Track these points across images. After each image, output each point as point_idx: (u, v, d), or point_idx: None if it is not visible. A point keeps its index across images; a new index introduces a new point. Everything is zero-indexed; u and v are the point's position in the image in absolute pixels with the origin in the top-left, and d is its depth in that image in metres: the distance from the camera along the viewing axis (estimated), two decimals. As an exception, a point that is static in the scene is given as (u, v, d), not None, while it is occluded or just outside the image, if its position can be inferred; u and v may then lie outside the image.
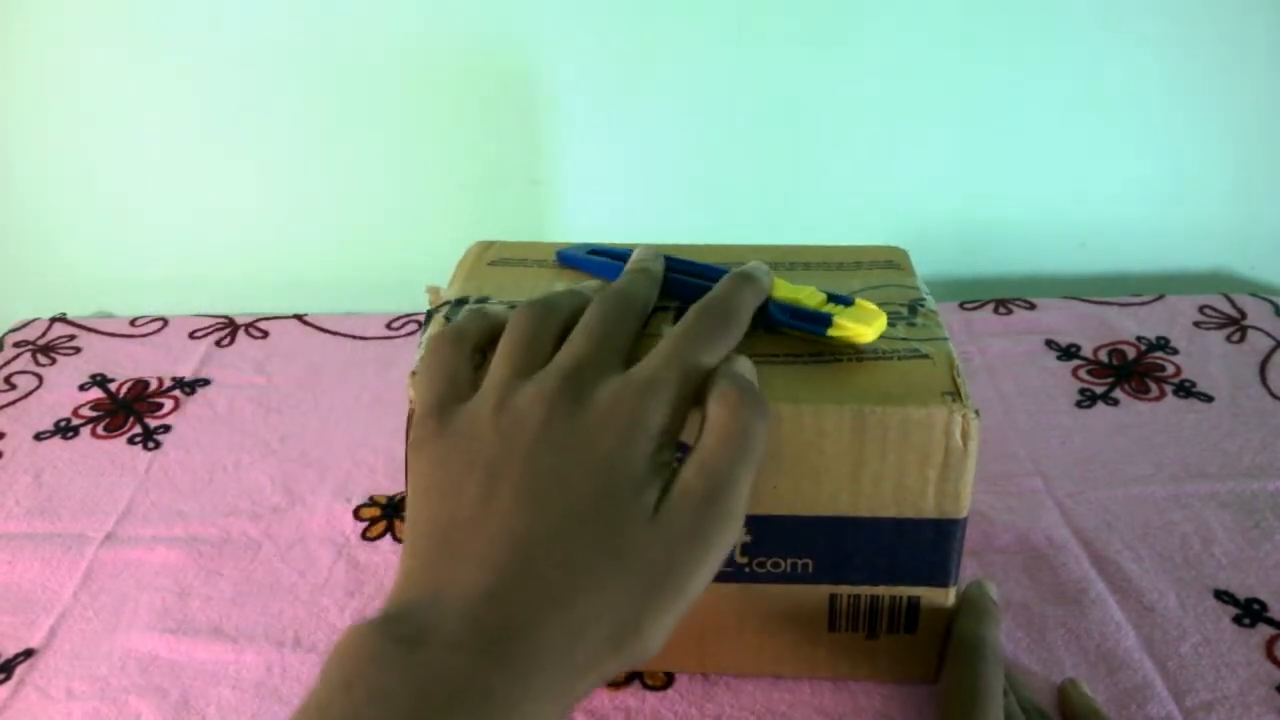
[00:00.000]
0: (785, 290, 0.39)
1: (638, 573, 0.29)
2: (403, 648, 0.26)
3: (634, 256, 0.41)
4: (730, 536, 0.30)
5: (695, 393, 0.32)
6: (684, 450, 0.31)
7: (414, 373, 0.36)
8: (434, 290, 0.44)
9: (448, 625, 0.27)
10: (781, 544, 0.38)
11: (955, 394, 0.35)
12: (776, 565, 0.38)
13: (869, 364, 0.37)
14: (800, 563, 0.38)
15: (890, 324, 0.38)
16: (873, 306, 0.38)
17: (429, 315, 0.42)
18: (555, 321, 0.35)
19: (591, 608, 0.28)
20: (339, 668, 0.27)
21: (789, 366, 0.37)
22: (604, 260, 0.43)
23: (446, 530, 0.30)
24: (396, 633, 0.27)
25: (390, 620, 0.28)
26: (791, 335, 0.38)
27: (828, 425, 0.35)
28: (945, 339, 0.38)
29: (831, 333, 0.37)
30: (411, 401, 0.35)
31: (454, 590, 0.28)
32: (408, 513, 0.32)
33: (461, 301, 0.42)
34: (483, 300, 0.42)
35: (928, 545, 0.37)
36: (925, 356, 0.37)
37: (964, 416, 0.35)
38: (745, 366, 0.34)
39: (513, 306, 0.37)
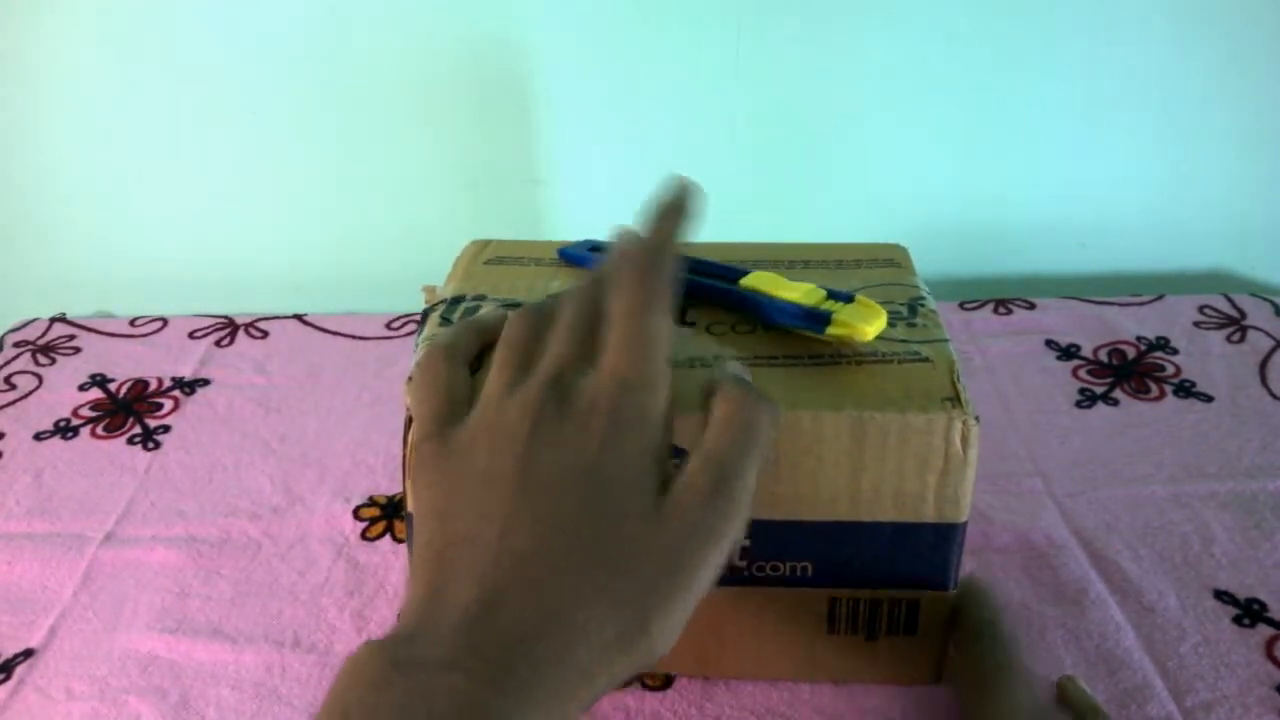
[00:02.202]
0: (784, 288, 0.39)
1: (640, 572, 0.28)
2: (400, 671, 0.26)
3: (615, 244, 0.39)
4: (734, 528, 0.30)
5: (667, 356, 0.32)
6: (679, 455, 0.31)
7: (410, 379, 0.36)
8: (430, 289, 0.44)
9: (443, 644, 0.27)
10: (781, 548, 0.38)
11: (955, 399, 0.35)
12: (776, 569, 0.38)
13: (869, 367, 0.36)
14: (800, 566, 0.38)
15: (890, 324, 0.38)
16: (874, 304, 0.37)
17: (425, 314, 0.42)
18: (548, 325, 0.34)
19: (593, 613, 0.28)
20: (340, 694, 0.27)
21: (788, 369, 0.36)
22: (606, 257, 0.43)
23: (444, 551, 0.30)
24: (395, 656, 0.27)
25: (391, 643, 0.28)
26: (790, 336, 0.38)
27: (827, 431, 0.35)
28: (946, 340, 0.38)
29: (831, 331, 0.37)
30: (409, 409, 0.35)
31: (449, 609, 0.28)
32: (412, 538, 0.32)
33: (458, 300, 0.42)
34: (479, 298, 0.42)
35: (928, 549, 0.37)
36: (925, 360, 0.37)
37: (964, 422, 0.35)
38: (739, 369, 0.34)
39: (510, 307, 0.37)
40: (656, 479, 0.30)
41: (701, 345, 0.38)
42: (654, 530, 0.29)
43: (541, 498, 0.30)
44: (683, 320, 0.40)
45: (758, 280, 0.40)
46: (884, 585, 0.38)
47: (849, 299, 0.38)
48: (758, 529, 0.37)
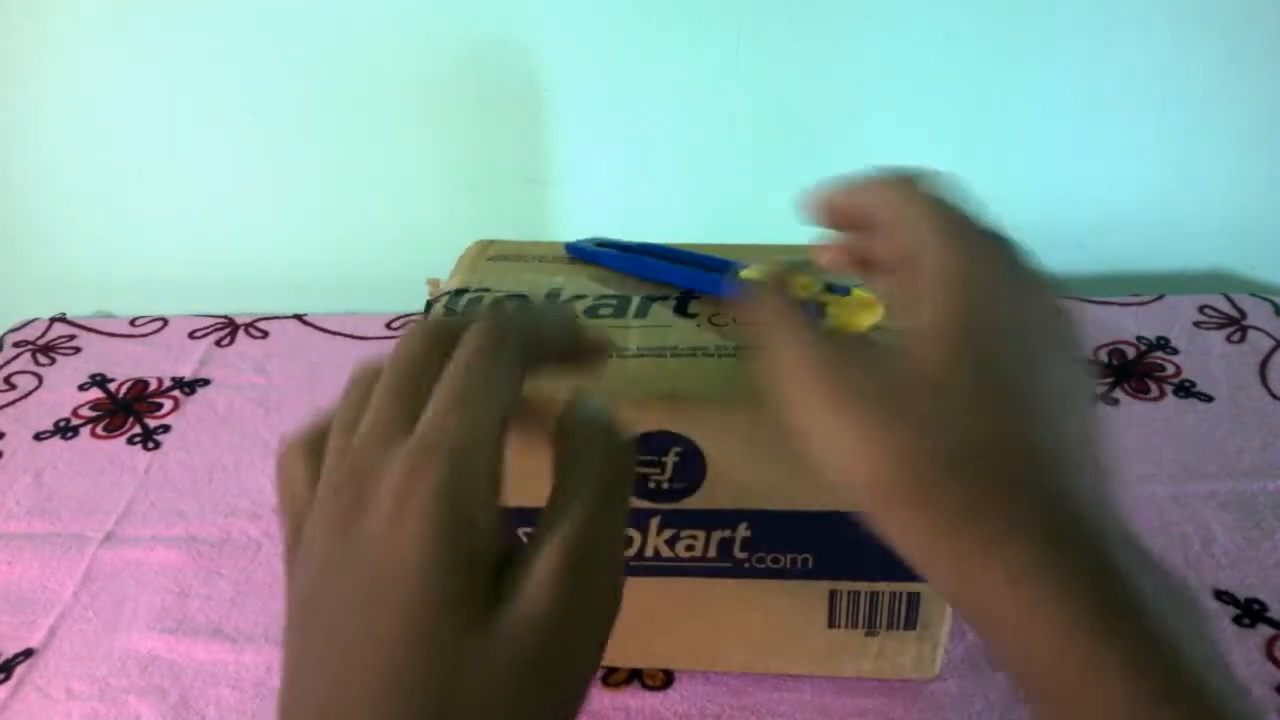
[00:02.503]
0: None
1: (484, 698, 0.22)
2: None
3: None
4: (602, 611, 0.24)
5: (497, 412, 0.25)
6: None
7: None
8: (434, 282, 0.44)
9: None
10: (782, 539, 0.38)
11: None
12: (776, 560, 0.38)
13: None
14: (800, 558, 0.38)
15: (890, 316, 0.38)
16: (870, 297, 0.37)
17: (428, 307, 0.42)
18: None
19: None
20: None
21: None
22: (612, 252, 0.43)
23: (285, 704, 0.24)
24: None
25: None
26: None
27: None
28: None
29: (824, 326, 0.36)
30: None
31: None
32: None
33: (461, 292, 0.42)
34: (483, 291, 0.42)
35: None
36: None
37: None
38: (598, 406, 0.27)
39: (513, 299, 0.36)
40: (485, 569, 0.23)
41: (701, 337, 0.38)
42: (491, 639, 0.23)
43: (342, 629, 0.23)
44: (684, 312, 0.40)
45: (755, 274, 0.40)
46: (884, 578, 0.38)
47: (845, 291, 0.38)
48: (759, 519, 0.37)
